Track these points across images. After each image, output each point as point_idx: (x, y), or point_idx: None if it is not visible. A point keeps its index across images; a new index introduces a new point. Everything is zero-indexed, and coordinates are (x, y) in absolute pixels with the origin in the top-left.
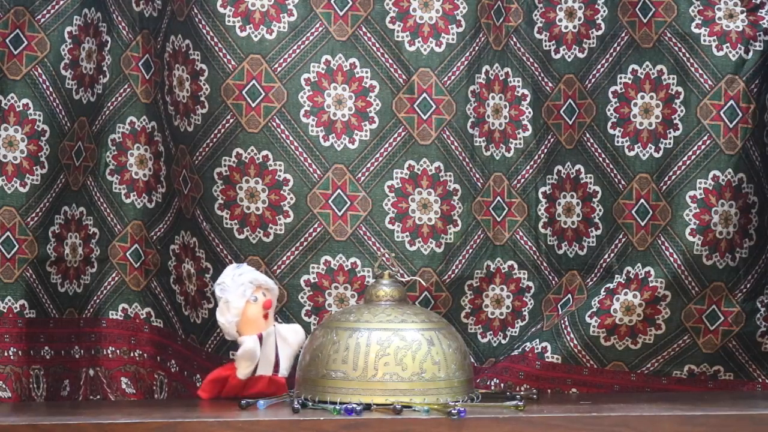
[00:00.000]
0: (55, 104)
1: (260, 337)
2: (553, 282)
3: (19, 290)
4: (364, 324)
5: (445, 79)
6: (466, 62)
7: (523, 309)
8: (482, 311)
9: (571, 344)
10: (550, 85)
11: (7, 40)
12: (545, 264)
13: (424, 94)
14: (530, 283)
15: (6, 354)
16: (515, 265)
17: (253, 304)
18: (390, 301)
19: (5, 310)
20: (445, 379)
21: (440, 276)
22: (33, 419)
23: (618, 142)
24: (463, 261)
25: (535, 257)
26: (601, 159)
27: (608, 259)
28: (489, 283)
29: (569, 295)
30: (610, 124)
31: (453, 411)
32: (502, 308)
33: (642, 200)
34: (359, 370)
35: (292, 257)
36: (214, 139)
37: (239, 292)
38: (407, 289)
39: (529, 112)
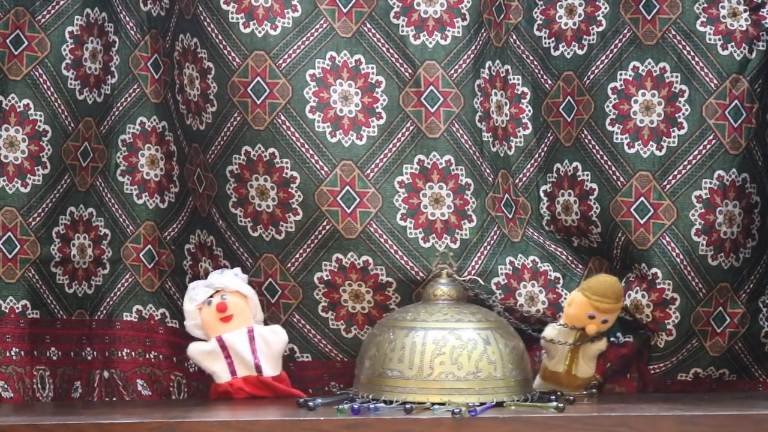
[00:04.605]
0: (56, 105)
1: (220, 340)
2: (579, 269)
3: (21, 290)
4: (420, 323)
5: (452, 71)
6: (472, 55)
7: (559, 300)
8: (516, 311)
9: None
10: (549, 82)
11: (7, 41)
12: (567, 253)
13: (431, 87)
14: (557, 274)
15: (8, 354)
16: (537, 260)
17: (207, 308)
18: (447, 300)
19: (7, 311)
20: (502, 379)
21: (458, 273)
22: (33, 419)
23: (617, 139)
24: (482, 258)
25: (553, 249)
26: (598, 156)
27: (618, 254)
28: (519, 280)
29: None
30: (608, 120)
31: (455, 410)
32: (537, 305)
33: (642, 198)
34: (415, 368)
35: (304, 255)
36: (224, 137)
37: (189, 296)
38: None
39: (529, 110)
